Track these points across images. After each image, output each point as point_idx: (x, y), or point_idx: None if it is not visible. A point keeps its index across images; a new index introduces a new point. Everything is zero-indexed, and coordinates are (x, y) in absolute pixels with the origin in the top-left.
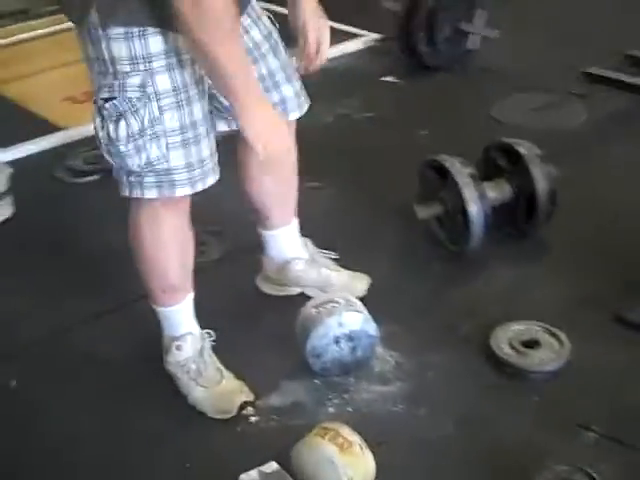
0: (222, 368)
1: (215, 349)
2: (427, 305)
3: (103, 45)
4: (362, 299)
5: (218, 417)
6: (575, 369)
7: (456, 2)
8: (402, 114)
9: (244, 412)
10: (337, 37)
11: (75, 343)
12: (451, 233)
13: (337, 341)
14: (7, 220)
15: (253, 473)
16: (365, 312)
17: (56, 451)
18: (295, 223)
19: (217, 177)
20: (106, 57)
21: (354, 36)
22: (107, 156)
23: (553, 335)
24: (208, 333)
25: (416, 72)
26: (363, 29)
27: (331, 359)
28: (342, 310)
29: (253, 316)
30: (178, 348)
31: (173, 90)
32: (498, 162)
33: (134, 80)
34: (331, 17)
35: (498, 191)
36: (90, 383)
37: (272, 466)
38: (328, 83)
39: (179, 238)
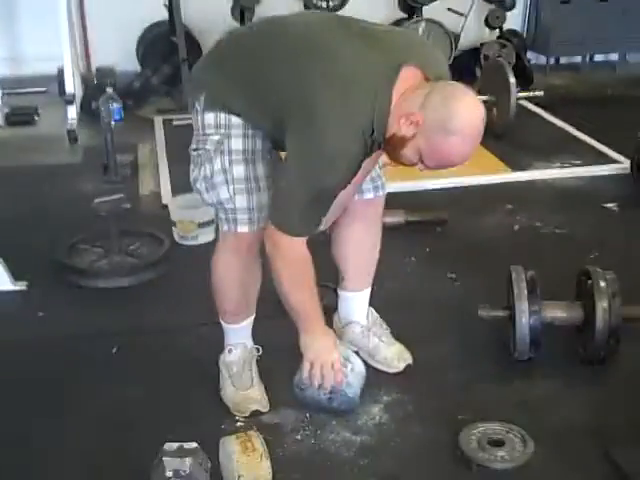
0: (255, 378)
1: (261, 362)
2: (446, 389)
3: (199, 115)
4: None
5: (234, 413)
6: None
7: None
8: (590, 237)
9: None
10: (592, 158)
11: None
12: (511, 338)
13: (319, 387)
14: (207, 243)
15: (175, 444)
16: (352, 377)
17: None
18: (366, 292)
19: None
20: (199, 123)
21: (612, 161)
22: (196, 193)
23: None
24: (257, 349)
25: None
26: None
27: (310, 398)
28: None
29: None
30: (229, 351)
31: (243, 151)
32: (585, 286)
33: (214, 137)
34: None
35: (566, 311)
36: (173, 373)
37: (192, 445)
38: (544, 197)
39: (242, 275)
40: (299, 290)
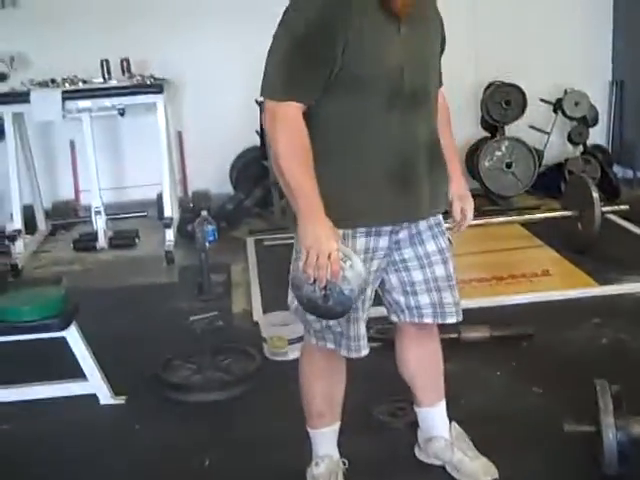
0: None
1: (348, 476)
2: None
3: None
4: None
5: None
6: None
7: None
8: None
9: None
10: None
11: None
12: (598, 454)
13: (314, 282)
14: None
15: None
16: (351, 273)
17: None
18: (440, 406)
19: (362, 353)
20: (296, 247)
21: None
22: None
23: None
24: (343, 462)
25: None
26: None
27: (306, 297)
28: None
29: (395, 470)
30: (316, 464)
31: None
32: None
33: None
34: None
35: None
36: None
37: None
38: (631, 311)
39: (327, 376)
40: (299, 168)
